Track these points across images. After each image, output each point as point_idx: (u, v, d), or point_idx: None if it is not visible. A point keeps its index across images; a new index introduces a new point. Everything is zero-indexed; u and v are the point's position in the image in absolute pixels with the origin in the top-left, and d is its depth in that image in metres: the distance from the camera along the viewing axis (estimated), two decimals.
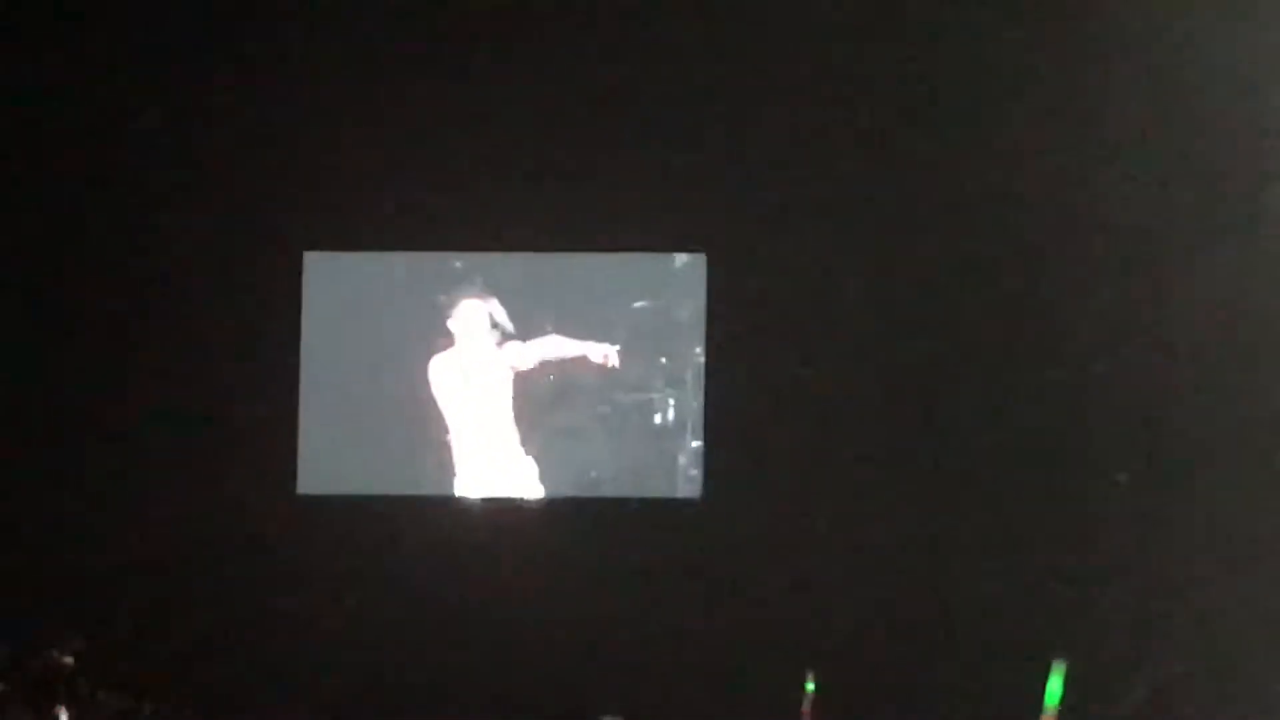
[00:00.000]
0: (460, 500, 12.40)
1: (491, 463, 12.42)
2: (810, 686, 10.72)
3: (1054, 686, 9.54)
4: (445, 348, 12.45)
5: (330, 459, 12.36)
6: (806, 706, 10.68)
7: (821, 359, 12.15)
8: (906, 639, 11.78)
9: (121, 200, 12.31)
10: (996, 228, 12.01)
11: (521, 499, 12.38)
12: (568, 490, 12.40)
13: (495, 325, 12.42)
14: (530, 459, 12.42)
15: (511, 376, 12.41)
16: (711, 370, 12.28)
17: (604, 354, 12.30)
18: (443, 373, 12.45)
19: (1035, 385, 11.97)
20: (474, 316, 12.45)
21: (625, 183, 12.22)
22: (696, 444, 12.34)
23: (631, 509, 11.72)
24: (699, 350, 12.34)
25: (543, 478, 12.42)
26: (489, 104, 12.29)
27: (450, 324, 12.44)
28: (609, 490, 12.37)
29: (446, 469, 12.41)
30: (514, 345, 12.40)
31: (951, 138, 12.07)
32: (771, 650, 11.55)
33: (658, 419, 12.40)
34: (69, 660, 11.21)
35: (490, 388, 12.43)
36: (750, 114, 12.23)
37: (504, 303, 12.43)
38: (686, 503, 12.26)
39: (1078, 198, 12.04)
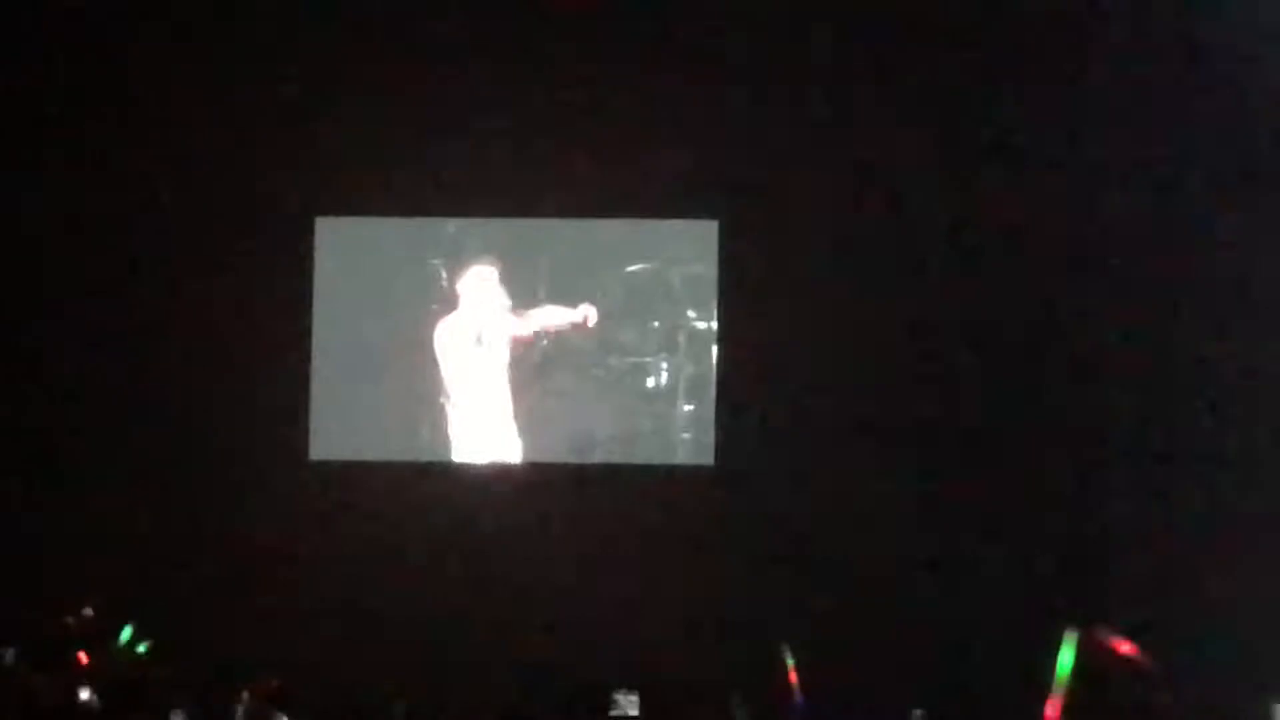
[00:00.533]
0: (471, 467, 12.42)
1: (499, 428, 12.44)
2: (790, 660, 10.70)
3: (1065, 659, 9.52)
4: (452, 313, 12.46)
5: (341, 425, 12.37)
6: (791, 675, 10.67)
7: (833, 330, 12.16)
8: (916, 608, 11.82)
9: (134, 167, 12.24)
10: (1015, 203, 12.04)
11: (533, 464, 12.41)
12: (570, 456, 12.44)
13: (503, 291, 12.44)
14: (534, 424, 12.46)
15: (514, 342, 12.42)
16: (724, 338, 12.31)
17: (584, 315, 12.30)
18: (449, 338, 12.45)
19: (1050, 353, 12.04)
20: (483, 282, 12.45)
21: (638, 149, 12.22)
22: (689, 407, 12.39)
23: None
24: (691, 314, 12.38)
25: (546, 443, 12.46)
26: (509, 70, 12.28)
27: (459, 288, 12.45)
28: (602, 455, 12.41)
29: (458, 435, 12.43)
30: (518, 311, 12.40)
31: (969, 109, 12.11)
32: (781, 619, 11.54)
33: (651, 383, 12.44)
34: (83, 623, 11.23)
35: (497, 353, 12.44)
36: (764, 83, 12.25)
37: (512, 268, 12.45)
38: (699, 470, 12.30)
39: (1088, 174, 12.10)
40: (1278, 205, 11.87)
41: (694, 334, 12.43)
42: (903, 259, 12.17)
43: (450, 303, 12.48)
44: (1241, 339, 11.81)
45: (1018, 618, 11.44)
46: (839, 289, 12.17)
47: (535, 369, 12.45)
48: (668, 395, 12.46)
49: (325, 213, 12.44)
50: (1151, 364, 11.95)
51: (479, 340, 12.47)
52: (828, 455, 12.03)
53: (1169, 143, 11.96)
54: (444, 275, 12.49)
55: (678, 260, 12.45)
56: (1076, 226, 12.06)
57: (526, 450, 12.46)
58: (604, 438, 12.48)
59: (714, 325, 12.34)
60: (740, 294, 12.29)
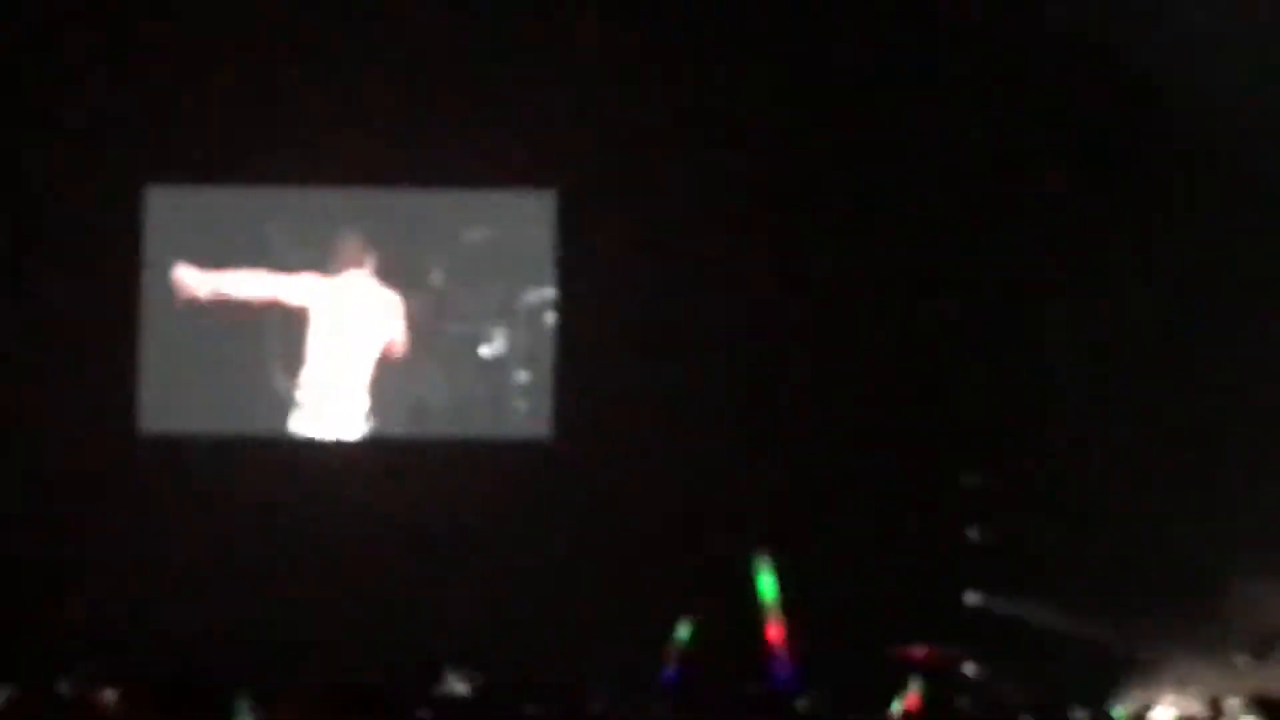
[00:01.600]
0: (306, 439, 12.30)
1: (335, 399, 12.32)
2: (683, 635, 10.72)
3: (765, 581, 9.73)
4: (299, 282, 12.32)
5: (172, 397, 12.18)
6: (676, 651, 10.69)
7: (673, 299, 12.11)
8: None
9: None
10: (864, 169, 12.06)
11: (368, 436, 12.29)
12: (408, 425, 12.35)
13: (339, 260, 12.32)
14: (371, 394, 12.35)
15: (367, 313, 12.29)
16: (562, 308, 12.23)
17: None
18: (311, 309, 12.32)
19: (899, 323, 12.09)
20: (318, 251, 12.30)
21: (477, 119, 12.11)
22: (525, 377, 12.35)
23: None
24: (529, 284, 12.33)
25: (383, 412, 12.36)
26: (349, 39, 12.14)
27: (294, 258, 12.29)
28: (439, 424, 12.32)
29: (293, 406, 12.30)
30: (355, 279, 12.30)
31: (819, 76, 12.07)
32: (620, 595, 11.54)
33: (487, 352, 12.37)
34: None
35: (332, 322, 12.31)
36: (603, 52, 12.14)
37: (349, 237, 12.33)
38: (533, 443, 12.21)
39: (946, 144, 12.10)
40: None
41: (531, 304, 12.33)
42: (743, 230, 12.11)
43: (285, 271, 12.30)
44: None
45: (868, 595, 11.46)
46: (677, 258, 12.12)
47: (371, 338, 12.30)
48: (504, 365, 12.38)
49: (157, 180, 12.21)
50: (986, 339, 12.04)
51: (315, 308, 12.30)
52: (664, 427, 11.99)
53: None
54: (279, 244, 12.31)
55: (516, 229, 12.34)
56: (923, 193, 12.04)
57: (363, 420, 12.33)
58: (440, 407, 12.36)
59: (551, 295, 12.26)
60: (578, 264, 12.22)
